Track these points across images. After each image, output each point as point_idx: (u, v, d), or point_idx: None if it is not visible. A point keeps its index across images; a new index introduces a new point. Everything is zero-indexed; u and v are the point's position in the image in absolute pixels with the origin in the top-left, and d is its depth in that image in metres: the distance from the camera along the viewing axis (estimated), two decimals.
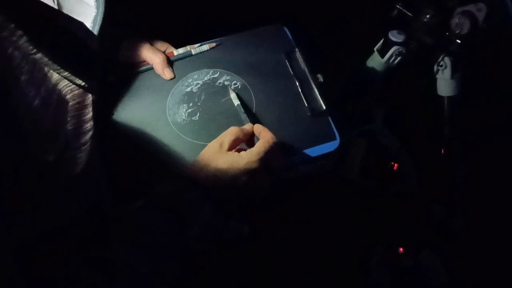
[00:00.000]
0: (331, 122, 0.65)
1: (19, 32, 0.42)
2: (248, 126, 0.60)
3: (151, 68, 0.68)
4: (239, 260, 0.82)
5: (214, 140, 0.56)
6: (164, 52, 0.68)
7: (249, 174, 0.53)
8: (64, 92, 0.48)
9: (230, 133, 0.57)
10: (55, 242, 0.44)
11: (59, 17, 0.50)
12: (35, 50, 0.43)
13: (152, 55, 0.66)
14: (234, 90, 0.66)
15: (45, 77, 0.46)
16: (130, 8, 0.68)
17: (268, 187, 0.56)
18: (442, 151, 0.79)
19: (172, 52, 0.69)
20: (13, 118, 0.41)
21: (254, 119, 0.64)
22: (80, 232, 0.47)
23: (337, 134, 0.64)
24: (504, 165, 0.92)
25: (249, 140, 0.60)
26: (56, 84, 0.47)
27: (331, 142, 0.64)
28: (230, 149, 0.56)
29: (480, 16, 0.65)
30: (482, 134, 0.92)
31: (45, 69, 0.46)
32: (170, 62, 0.68)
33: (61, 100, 0.47)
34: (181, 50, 0.70)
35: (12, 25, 0.42)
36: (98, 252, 0.46)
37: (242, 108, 0.63)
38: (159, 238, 0.48)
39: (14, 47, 0.42)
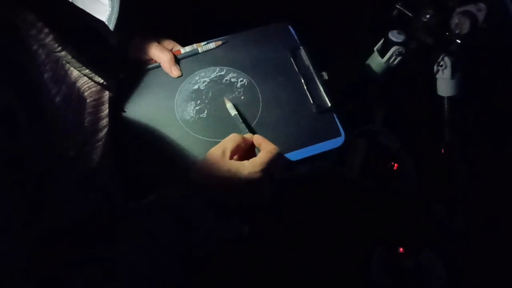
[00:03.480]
0: (336, 119, 0.66)
1: (46, 30, 0.43)
2: (248, 136, 0.60)
3: (159, 66, 0.68)
4: (239, 260, 0.82)
5: (216, 146, 0.57)
6: (171, 50, 0.69)
7: (252, 183, 0.54)
8: (82, 89, 0.49)
9: (233, 140, 0.57)
10: (58, 241, 0.45)
11: (84, 16, 0.50)
12: (60, 48, 0.44)
13: (159, 53, 0.67)
14: (229, 100, 0.66)
15: (66, 74, 0.47)
16: (138, 7, 0.68)
17: (270, 195, 0.57)
18: (442, 151, 0.79)
19: (179, 50, 0.70)
20: (39, 115, 0.42)
21: (257, 126, 0.65)
22: (84, 231, 0.47)
23: (342, 131, 0.65)
24: (504, 165, 0.92)
25: (250, 148, 0.60)
26: (75, 82, 0.48)
27: (337, 139, 0.65)
28: (232, 156, 0.56)
29: (480, 16, 0.65)
30: (482, 134, 0.92)
31: (66, 66, 0.46)
32: (177, 60, 0.69)
33: (80, 97, 0.48)
34: (188, 48, 0.70)
35: (40, 24, 0.42)
36: (100, 252, 0.46)
37: (239, 118, 0.63)
38: (161, 240, 0.49)
39: (40, 45, 0.43)
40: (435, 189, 0.87)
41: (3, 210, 0.38)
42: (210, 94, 0.67)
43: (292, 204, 0.88)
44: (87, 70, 0.48)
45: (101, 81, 0.50)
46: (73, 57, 0.46)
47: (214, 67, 0.70)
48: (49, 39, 0.43)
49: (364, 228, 0.90)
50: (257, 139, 0.60)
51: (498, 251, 0.87)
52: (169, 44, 0.70)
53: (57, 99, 0.44)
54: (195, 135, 0.64)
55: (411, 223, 0.90)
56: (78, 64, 0.47)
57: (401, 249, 0.87)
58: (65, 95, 0.45)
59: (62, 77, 0.46)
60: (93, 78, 0.49)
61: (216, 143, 0.58)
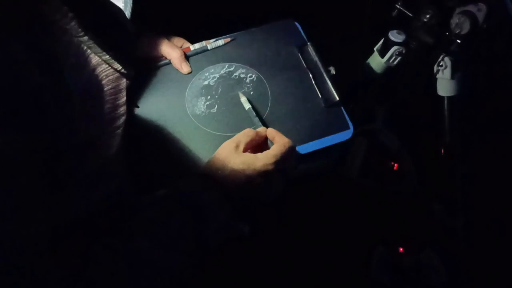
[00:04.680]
0: (344, 112, 0.67)
1: (71, 15, 0.43)
2: (261, 130, 0.61)
3: (169, 63, 0.70)
4: (239, 260, 0.82)
5: (230, 140, 0.57)
6: (180, 47, 0.70)
7: (265, 175, 0.54)
8: (100, 77, 0.49)
9: (246, 135, 0.58)
10: (71, 233, 0.45)
11: (105, 2, 0.51)
12: (82, 32, 0.45)
13: (170, 50, 0.68)
14: (244, 95, 0.67)
15: (87, 61, 0.47)
16: (148, 5, 0.69)
17: (281, 188, 0.57)
18: (442, 151, 0.79)
19: (189, 47, 0.71)
20: (64, 99, 0.42)
21: (267, 121, 0.65)
22: (97, 224, 0.47)
23: (350, 124, 0.66)
24: (504, 165, 0.92)
25: (262, 142, 0.61)
26: (95, 69, 0.48)
27: (345, 131, 0.66)
28: (245, 150, 0.57)
29: (480, 16, 0.65)
30: (482, 134, 0.92)
31: (87, 52, 0.47)
32: (187, 57, 0.70)
33: (99, 84, 0.49)
34: (197, 45, 0.72)
35: (65, 8, 0.43)
36: (112, 244, 0.46)
37: (253, 112, 0.64)
38: (173, 234, 0.49)
39: (64, 30, 0.44)
40: (436, 189, 0.87)
41: (21, 201, 0.38)
42: (220, 89, 0.68)
43: (292, 204, 0.88)
44: (107, 56, 0.48)
45: (120, 68, 0.50)
46: (94, 42, 0.46)
47: (223, 63, 0.71)
48: (73, 23, 0.44)
49: (364, 228, 0.90)
50: (271, 132, 0.60)
51: (498, 251, 0.87)
52: (179, 41, 0.71)
53: (79, 85, 0.45)
54: (206, 129, 0.65)
55: (411, 223, 0.90)
56: (99, 50, 0.47)
57: (401, 249, 0.88)
58: (86, 82, 0.46)
59: (83, 63, 0.46)
60: (112, 65, 0.49)
61: (227, 137, 0.59)
